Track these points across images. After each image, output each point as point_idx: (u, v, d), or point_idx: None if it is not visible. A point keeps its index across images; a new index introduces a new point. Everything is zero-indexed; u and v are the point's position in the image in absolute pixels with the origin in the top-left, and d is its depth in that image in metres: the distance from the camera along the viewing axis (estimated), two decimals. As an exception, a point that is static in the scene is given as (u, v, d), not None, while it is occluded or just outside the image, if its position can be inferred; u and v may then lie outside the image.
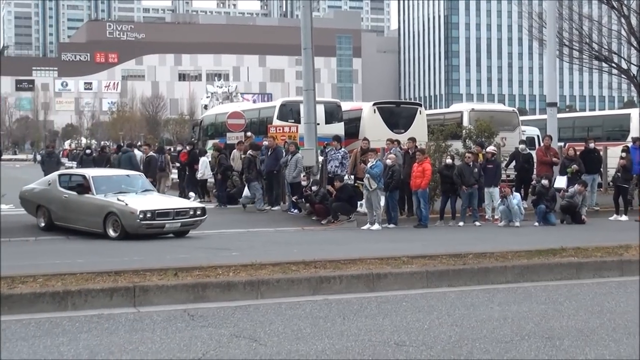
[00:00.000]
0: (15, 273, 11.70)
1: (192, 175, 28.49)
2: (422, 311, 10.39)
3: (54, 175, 20.91)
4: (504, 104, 63.84)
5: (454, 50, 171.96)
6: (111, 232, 18.04)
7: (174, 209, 18.67)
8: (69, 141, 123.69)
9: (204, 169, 27.88)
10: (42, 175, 27.73)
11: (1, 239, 17.09)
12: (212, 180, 27.84)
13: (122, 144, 50.24)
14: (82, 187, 19.07)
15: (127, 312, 10.29)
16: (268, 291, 11.39)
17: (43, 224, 19.93)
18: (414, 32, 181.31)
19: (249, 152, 24.80)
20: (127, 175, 20.91)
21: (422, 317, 10.00)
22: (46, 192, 20.13)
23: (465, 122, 30.16)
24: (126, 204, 17.94)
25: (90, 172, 20.16)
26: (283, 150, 24.88)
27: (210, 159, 28.37)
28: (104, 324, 9.59)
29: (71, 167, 54.25)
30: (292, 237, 18.82)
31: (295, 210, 23.47)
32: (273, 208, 24.51)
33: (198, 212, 18.92)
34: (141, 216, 17.65)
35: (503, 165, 24.41)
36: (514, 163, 25.20)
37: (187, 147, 30.87)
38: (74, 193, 19.13)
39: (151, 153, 28.43)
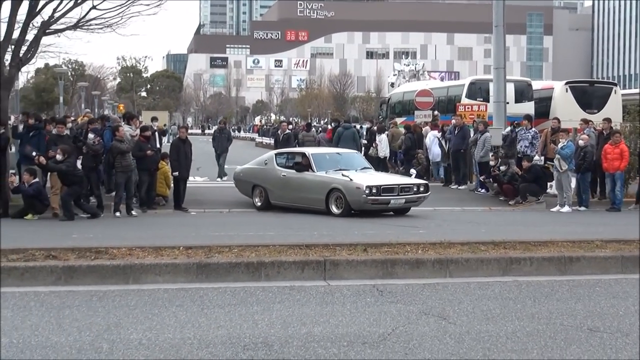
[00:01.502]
0: (212, 243, 12.26)
1: None
2: (616, 297, 10.08)
3: (270, 154, 21.02)
4: None
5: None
6: (334, 209, 18.04)
7: (398, 184, 18.46)
8: (259, 117, 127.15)
9: (385, 146, 27.83)
10: (213, 151, 28.52)
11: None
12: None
13: (309, 122, 50.97)
14: (302, 165, 19.17)
15: (318, 285, 10.54)
16: (457, 270, 11.38)
17: (260, 204, 19.89)
18: (609, 9, 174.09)
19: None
20: (338, 153, 20.61)
21: (616, 303, 9.71)
22: (262, 172, 20.11)
23: (664, 103, 28.82)
24: (351, 180, 17.82)
25: (309, 150, 20.26)
26: (470, 129, 24.67)
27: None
28: (295, 296, 9.87)
29: (261, 143, 55.91)
30: (479, 217, 18.66)
31: (483, 190, 23.22)
32: (460, 187, 24.35)
33: (421, 189, 18.68)
34: (367, 192, 17.50)
35: None
36: None
37: (332, 124, 30.36)
38: (293, 171, 19.25)
39: (287, 130, 28.11)
